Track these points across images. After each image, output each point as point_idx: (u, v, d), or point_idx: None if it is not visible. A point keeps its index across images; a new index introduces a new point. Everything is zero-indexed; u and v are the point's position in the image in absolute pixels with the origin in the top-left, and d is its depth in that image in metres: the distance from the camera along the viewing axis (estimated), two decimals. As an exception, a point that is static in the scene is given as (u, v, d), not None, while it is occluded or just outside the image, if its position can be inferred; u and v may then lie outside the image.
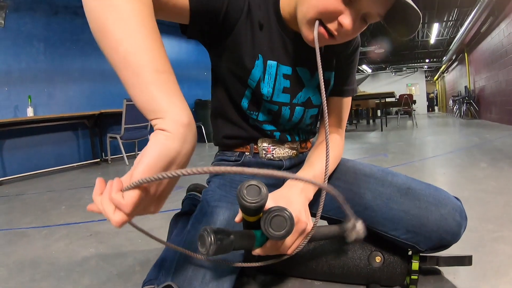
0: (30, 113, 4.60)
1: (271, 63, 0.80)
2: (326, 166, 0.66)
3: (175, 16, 0.67)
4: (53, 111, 5.04)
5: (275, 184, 0.92)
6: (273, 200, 0.67)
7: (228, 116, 0.88)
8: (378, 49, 12.60)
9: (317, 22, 0.66)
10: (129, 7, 0.47)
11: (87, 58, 5.58)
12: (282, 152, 0.90)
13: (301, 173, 0.81)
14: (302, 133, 0.94)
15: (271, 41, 0.80)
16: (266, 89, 0.81)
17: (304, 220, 0.68)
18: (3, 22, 4.57)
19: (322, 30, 0.67)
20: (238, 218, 0.66)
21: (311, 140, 1.01)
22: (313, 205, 0.85)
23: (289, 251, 0.67)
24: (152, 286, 0.74)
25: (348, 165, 0.92)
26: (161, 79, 0.46)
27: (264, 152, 0.89)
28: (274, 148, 0.89)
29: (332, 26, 0.67)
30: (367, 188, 0.85)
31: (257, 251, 0.65)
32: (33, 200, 2.88)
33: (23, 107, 4.67)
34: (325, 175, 0.67)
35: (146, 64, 0.46)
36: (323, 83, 0.65)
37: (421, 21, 0.64)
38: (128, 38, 0.47)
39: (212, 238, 0.53)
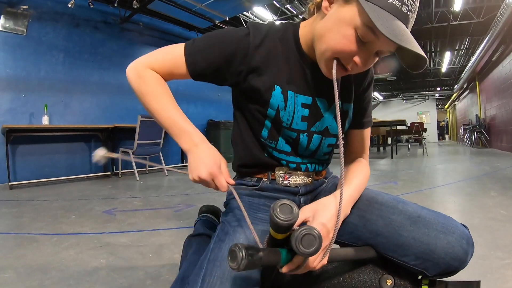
0: (45, 121, 4.70)
1: (291, 93, 0.86)
2: (340, 200, 0.72)
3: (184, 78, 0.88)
4: (67, 121, 5.16)
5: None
6: (311, 208, 0.78)
7: (248, 146, 0.93)
8: (390, 76, 12.70)
9: (335, 62, 0.73)
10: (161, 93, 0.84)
11: (105, 71, 5.73)
12: (298, 179, 0.94)
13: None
14: (318, 163, 0.98)
15: (291, 71, 0.86)
16: (286, 117, 0.86)
17: (329, 237, 0.73)
18: (25, 30, 4.74)
19: (338, 66, 0.74)
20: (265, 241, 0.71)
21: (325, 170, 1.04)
22: None
23: (313, 265, 0.71)
24: None
25: (362, 193, 0.95)
26: (185, 127, 0.82)
27: (281, 179, 0.93)
28: (290, 175, 0.94)
29: (348, 64, 0.74)
30: (379, 215, 0.87)
31: (285, 268, 0.68)
32: (44, 207, 2.92)
33: (38, 115, 4.79)
34: (339, 206, 0.72)
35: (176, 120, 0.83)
36: (339, 114, 0.71)
37: (427, 63, 0.71)
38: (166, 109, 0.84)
39: (244, 254, 0.56)
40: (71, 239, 1.90)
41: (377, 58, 0.75)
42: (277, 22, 0.90)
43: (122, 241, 1.85)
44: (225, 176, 0.80)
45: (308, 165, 0.95)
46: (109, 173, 5.43)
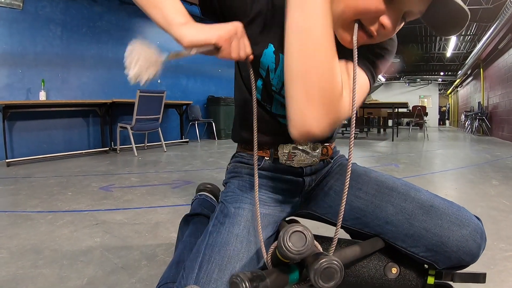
0: (42, 96, 4.61)
1: (283, 56, 0.73)
2: (346, 184, 0.59)
3: None
4: (65, 96, 5.06)
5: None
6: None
7: (249, 107, 0.82)
8: (394, 59, 12.54)
9: (356, 25, 0.61)
10: None
11: (103, 45, 5.60)
12: (303, 159, 0.86)
13: None
14: None
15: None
16: (275, 80, 0.77)
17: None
18: (21, 4, 4.59)
19: (361, 32, 0.62)
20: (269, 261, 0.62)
21: (331, 146, 0.96)
22: (332, 214, 0.83)
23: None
24: None
25: (371, 176, 0.88)
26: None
27: (284, 158, 0.85)
28: (295, 155, 0.85)
29: (373, 27, 0.62)
30: (389, 202, 0.82)
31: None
32: (40, 183, 2.88)
33: (35, 90, 4.69)
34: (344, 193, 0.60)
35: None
36: (356, 89, 0.59)
37: (469, 18, 0.58)
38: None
39: (247, 286, 0.50)
40: (66, 217, 1.87)
41: (403, 24, 0.64)
42: None
43: (118, 219, 1.82)
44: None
45: None
46: (107, 148, 5.38)
